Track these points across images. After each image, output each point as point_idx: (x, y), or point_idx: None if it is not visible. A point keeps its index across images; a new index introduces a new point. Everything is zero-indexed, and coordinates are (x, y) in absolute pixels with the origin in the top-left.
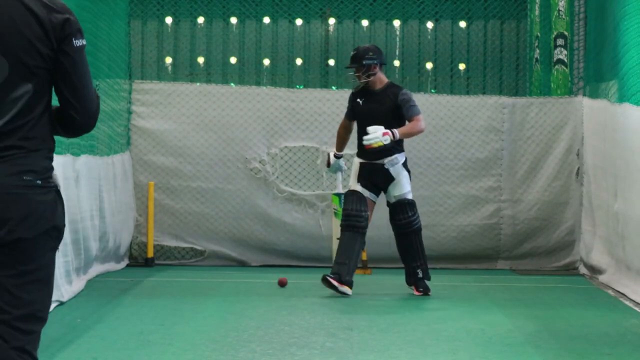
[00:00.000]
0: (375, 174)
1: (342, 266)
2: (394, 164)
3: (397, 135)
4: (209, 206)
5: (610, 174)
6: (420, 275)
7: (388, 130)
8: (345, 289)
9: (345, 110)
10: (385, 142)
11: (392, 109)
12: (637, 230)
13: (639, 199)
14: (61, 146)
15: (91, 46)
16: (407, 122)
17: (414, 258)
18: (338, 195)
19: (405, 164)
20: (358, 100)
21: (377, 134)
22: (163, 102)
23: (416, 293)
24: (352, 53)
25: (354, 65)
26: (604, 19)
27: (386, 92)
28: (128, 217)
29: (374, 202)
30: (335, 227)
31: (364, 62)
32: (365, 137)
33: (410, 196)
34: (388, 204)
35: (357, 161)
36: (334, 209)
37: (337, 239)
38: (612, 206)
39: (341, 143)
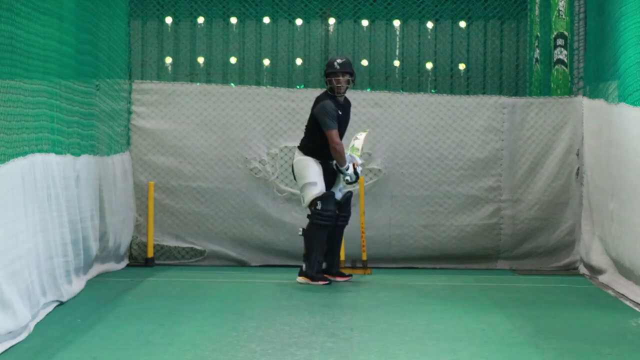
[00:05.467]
0: (327, 172)
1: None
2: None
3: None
4: (209, 206)
5: (606, 173)
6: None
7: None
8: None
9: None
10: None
11: None
12: (631, 230)
13: (633, 200)
14: (61, 146)
15: (91, 46)
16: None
17: (339, 249)
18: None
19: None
20: (339, 111)
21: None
22: (163, 102)
23: (340, 279)
24: (340, 60)
25: (349, 71)
26: (603, 19)
27: (346, 102)
28: (128, 217)
29: None
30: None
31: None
32: (350, 180)
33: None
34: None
35: (315, 160)
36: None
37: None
38: (608, 206)
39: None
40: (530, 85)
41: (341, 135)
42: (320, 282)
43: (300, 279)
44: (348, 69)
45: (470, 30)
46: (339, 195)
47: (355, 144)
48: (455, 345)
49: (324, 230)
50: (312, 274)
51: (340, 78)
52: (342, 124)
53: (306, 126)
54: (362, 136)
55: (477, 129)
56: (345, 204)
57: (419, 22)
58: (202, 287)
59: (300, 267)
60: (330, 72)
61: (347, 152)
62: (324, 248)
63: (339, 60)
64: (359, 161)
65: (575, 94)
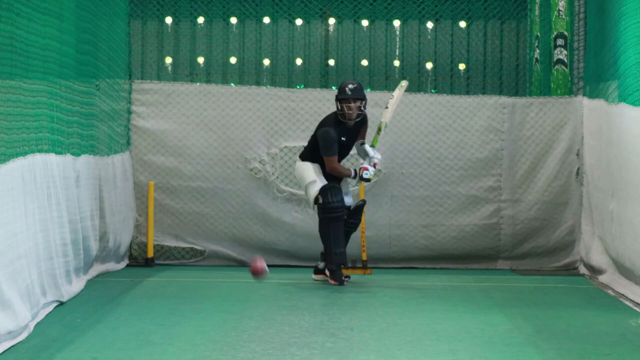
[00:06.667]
0: (330, 175)
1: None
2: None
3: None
4: (209, 206)
5: (606, 173)
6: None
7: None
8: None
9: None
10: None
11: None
12: (631, 230)
13: (633, 200)
14: (61, 146)
15: (91, 46)
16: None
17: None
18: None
19: None
20: (342, 138)
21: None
22: (163, 102)
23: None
24: (352, 86)
25: (361, 97)
26: (603, 19)
27: (356, 124)
28: (128, 217)
29: None
30: None
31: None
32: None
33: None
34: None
35: (312, 163)
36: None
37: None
38: (608, 206)
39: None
40: (530, 85)
41: (343, 157)
42: (337, 282)
43: (317, 277)
44: (360, 95)
45: (470, 30)
46: (349, 201)
47: (385, 116)
48: (455, 345)
49: (335, 222)
50: (333, 268)
51: (352, 104)
52: (345, 148)
53: (309, 141)
54: (394, 99)
55: (477, 129)
56: (355, 211)
57: (419, 22)
58: (202, 287)
59: (315, 265)
60: (342, 98)
61: (367, 145)
62: (341, 239)
63: (350, 86)
64: (378, 156)
65: (575, 94)
